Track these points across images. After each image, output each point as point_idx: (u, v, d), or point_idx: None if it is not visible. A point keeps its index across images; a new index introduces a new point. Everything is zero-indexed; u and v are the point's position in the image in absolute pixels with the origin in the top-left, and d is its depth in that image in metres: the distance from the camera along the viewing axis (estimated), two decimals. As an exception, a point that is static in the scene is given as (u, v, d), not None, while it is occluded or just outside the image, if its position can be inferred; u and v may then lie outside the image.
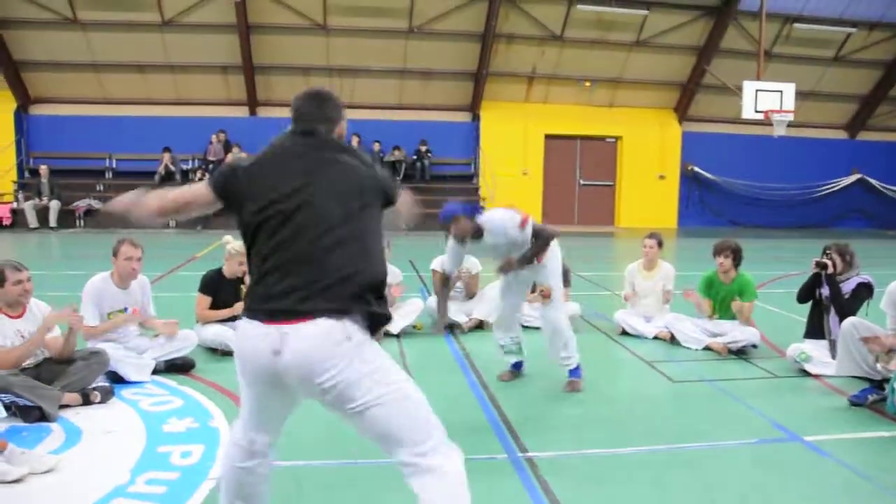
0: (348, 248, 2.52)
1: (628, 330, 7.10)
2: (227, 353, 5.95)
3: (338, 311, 2.44)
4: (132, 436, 4.22)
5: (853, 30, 19.98)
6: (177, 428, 4.37)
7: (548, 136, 20.41)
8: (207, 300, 6.20)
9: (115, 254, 5.38)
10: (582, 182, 21.14)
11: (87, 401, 4.68)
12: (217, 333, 6.02)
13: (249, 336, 2.49)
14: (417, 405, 2.57)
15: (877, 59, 20.94)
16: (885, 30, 20.22)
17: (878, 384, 5.04)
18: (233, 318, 6.31)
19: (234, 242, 6.29)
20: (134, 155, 18.98)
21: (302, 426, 4.47)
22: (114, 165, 19.17)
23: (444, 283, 5.39)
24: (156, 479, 3.64)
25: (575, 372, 5.37)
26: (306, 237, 2.49)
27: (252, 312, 2.51)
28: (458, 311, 7.14)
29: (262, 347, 2.45)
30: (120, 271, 5.41)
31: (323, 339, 2.41)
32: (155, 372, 5.41)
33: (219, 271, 6.31)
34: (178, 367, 5.56)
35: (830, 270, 5.77)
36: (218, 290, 6.21)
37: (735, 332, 6.48)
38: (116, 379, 5.14)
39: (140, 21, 17.96)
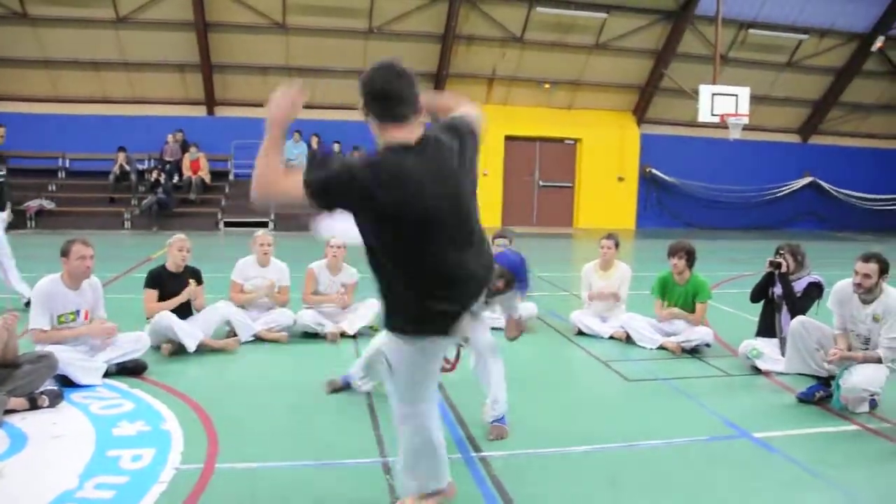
0: None
1: (584, 330, 7.16)
2: (173, 354, 5.93)
3: None
4: (81, 440, 4.13)
5: (805, 36, 20.44)
6: (127, 431, 4.28)
7: (507, 138, 20.48)
8: (154, 293, 6.21)
9: (65, 254, 5.26)
10: (541, 183, 21.26)
11: (34, 405, 4.56)
12: (161, 316, 5.96)
13: None
14: None
15: (828, 66, 21.43)
16: (835, 37, 20.72)
17: (825, 381, 5.17)
18: (184, 314, 6.24)
19: (176, 235, 6.33)
20: (88, 154, 18.60)
21: (258, 427, 4.45)
22: (67, 165, 18.77)
23: None
24: (105, 483, 3.57)
25: (503, 418, 4.44)
26: None
27: None
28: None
29: None
30: (72, 271, 5.28)
31: None
32: (106, 375, 5.28)
33: (163, 266, 6.35)
34: (129, 370, 5.44)
35: (784, 270, 5.93)
36: (163, 283, 6.22)
37: (689, 332, 6.59)
38: (66, 382, 5.02)
39: (94, 17, 17.58)
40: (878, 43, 19.88)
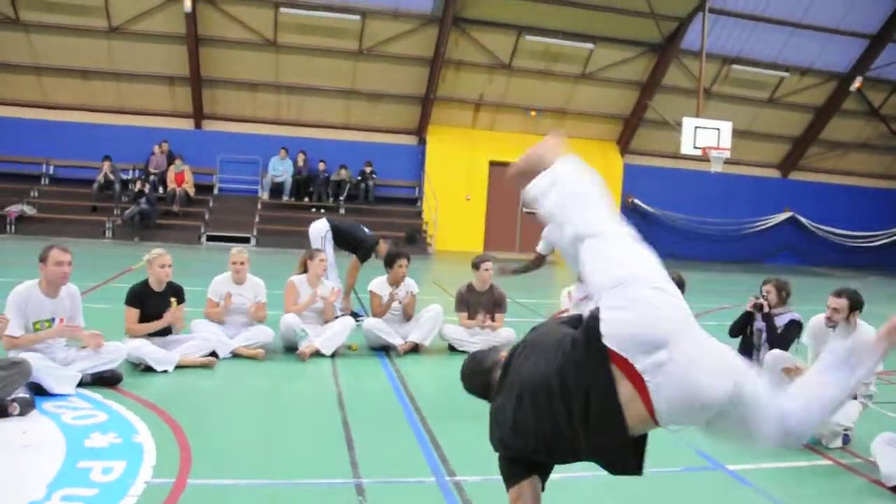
0: None
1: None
2: (147, 369, 5.84)
3: None
4: (51, 450, 4.07)
5: (786, 74, 20.85)
6: (99, 443, 4.23)
7: (492, 163, 20.62)
8: (135, 312, 6.05)
9: (42, 259, 5.21)
10: (525, 210, 21.38)
11: (4, 413, 4.50)
12: (136, 347, 5.83)
13: None
14: None
15: (808, 104, 21.84)
16: (815, 76, 21.15)
17: (798, 415, 5.21)
18: (163, 332, 6.18)
19: (155, 251, 6.21)
20: (72, 162, 18.53)
21: (231, 444, 4.41)
22: (50, 171, 18.70)
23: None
24: (72, 495, 3.52)
25: None
26: None
27: None
28: (394, 334, 7.13)
29: None
30: (50, 277, 5.22)
31: None
32: (81, 384, 5.23)
33: (145, 283, 6.18)
34: (104, 381, 5.38)
35: (766, 310, 6.01)
36: (144, 301, 6.08)
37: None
38: (39, 391, 4.95)
39: (86, 26, 17.63)
40: (857, 83, 20.35)
